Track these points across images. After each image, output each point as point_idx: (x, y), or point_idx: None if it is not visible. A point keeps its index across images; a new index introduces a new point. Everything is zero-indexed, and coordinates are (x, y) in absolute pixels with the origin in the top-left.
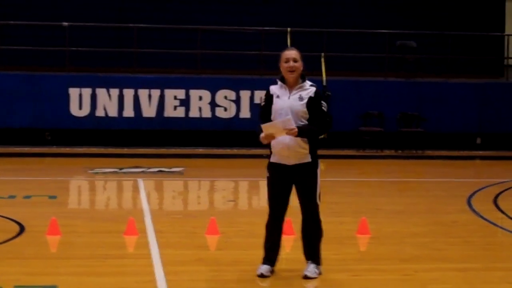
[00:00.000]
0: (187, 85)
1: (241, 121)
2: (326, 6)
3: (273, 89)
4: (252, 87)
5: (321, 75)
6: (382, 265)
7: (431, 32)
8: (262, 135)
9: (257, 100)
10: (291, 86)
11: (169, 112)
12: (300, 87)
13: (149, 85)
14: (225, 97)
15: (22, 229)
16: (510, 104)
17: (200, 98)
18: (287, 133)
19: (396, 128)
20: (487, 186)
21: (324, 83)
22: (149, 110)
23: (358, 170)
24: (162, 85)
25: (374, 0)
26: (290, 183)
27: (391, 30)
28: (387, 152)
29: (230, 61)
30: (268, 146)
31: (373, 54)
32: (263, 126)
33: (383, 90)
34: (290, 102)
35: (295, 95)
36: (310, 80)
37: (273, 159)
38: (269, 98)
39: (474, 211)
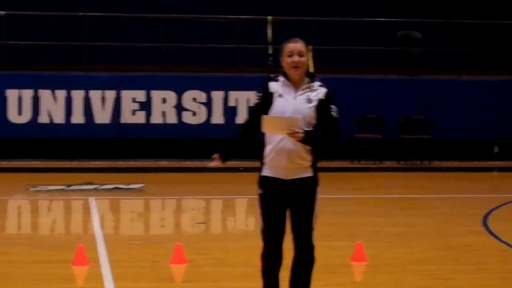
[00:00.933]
0: (148, 85)
1: (213, 128)
2: None
3: (274, 86)
4: (226, 87)
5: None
6: None
7: (439, 21)
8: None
9: (231, 103)
10: (296, 85)
11: (126, 117)
12: (308, 87)
13: (103, 86)
14: (194, 99)
15: None
16: None
17: (164, 100)
18: (288, 134)
19: (398, 135)
20: (506, 203)
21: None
22: (102, 116)
23: (353, 185)
24: (118, 85)
25: None
26: (286, 202)
27: (392, 19)
28: (387, 164)
29: (199, 56)
30: (260, 154)
31: (370, 47)
32: (266, 117)
33: (382, 90)
34: (296, 103)
35: (302, 96)
36: None
37: (265, 171)
38: (267, 96)
39: (490, 232)
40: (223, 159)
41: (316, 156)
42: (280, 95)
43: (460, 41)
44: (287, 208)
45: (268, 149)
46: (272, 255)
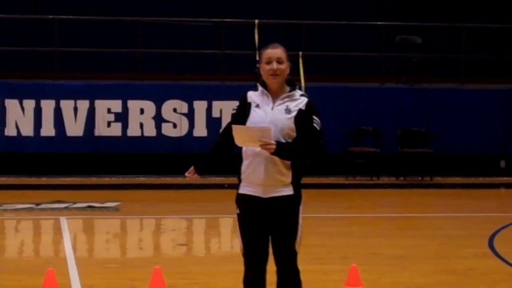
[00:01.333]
0: (125, 94)
1: (195, 141)
2: None
3: (252, 96)
4: (210, 97)
5: (299, 80)
6: None
7: (440, 25)
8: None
9: (215, 114)
10: (275, 95)
11: (101, 129)
12: (288, 97)
13: (75, 95)
14: (174, 110)
15: None
16: None
17: (142, 111)
18: (261, 146)
19: (396, 148)
20: None
21: (303, 91)
22: (74, 128)
23: (347, 203)
24: (92, 95)
25: None
26: (266, 222)
27: (389, 22)
28: (384, 180)
29: (180, 63)
30: (237, 171)
31: (366, 53)
32: (235, 127)
33: (379, 99)
34: (273, 114)
35: (281, 106)
36: None
37: (242, 189)
38: (245, 106)
39: (497, 254)
40: (199, 171)
41: (298, 172)
42: (257, 106)
43: (463, 47)
44: (268, 229)
45: (244, 164)
46: (254, 279)
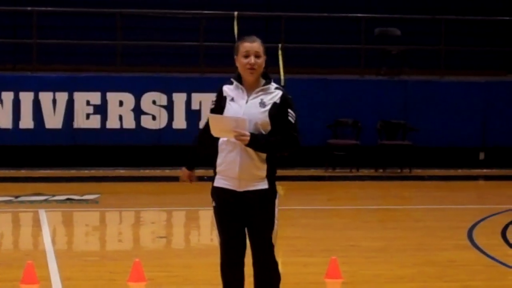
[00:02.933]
0: (104, 86)
1: (174, 133)
2: None
3: (227, 90)
4: (189, 88)
5: (278, 72)
6: None
7: (420, 17)
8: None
9: (195, 106)
10: (250, 88)
11: (79, 122)
12: (262, 90)
13: (54, 87)
14: (154, 102)
15: None
16: None
17: (121, 103)
18: (235, 137)
19: (376, 140)
20: (493, 215)
21: (282, 83)
22: (53, 120)
23: (326, 196)
24: (71, 87)
25: None
26: (241, 215)
27: (368, 14)
28: (364, 172)
29: (159, 54)
30: (213, 163)
31: (345, 45)
32: (211, 116)
33: (359, 91)
34: (247, 108)
35: (255, 100)
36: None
37: (217, 182)
38: (220, 100)
39: (476, 246)
40: (190, 168)
41: (272, 165)
42: (232, 99)
43: (443, 39)
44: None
45: (220, 157)
46: (230, 271)
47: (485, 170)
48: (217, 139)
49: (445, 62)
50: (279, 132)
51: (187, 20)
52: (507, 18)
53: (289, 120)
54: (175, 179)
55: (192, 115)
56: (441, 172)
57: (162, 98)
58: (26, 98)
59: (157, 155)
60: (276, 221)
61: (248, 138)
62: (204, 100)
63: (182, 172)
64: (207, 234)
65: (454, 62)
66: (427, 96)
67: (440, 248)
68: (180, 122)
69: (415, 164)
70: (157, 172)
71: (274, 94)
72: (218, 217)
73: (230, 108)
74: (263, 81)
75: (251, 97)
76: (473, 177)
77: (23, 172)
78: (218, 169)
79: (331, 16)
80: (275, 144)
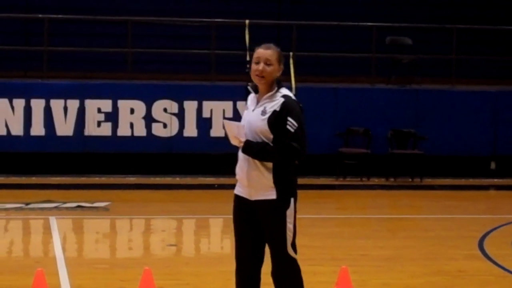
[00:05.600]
0: (115, 94)
1: (185, 141)
2: None
3: (249, 97)
4: (200, 96)
5: (289, 81)
6: None
7: (431, 26)
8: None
9: (206, 114)
10: (261, 96)
11: (91, 129)
12: (269, 98)
13: (65, 94)
14: (165, 110)
15: None
16: None
17: (132, 111)
18: (233, 143)
19: (387, 149)
20: (504, 225)
21: (294, 92)
22: (64, 127)
23: (337, 204)
24: (82, 94)
25: None
26: (255, 224)
27: (380, 23)
28: (374, 181)
29: (170, 62)
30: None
31: (356, 53)
32: (225, 122)
33: (369, 100)
34: (251, 116)
35: (260, 108)
36: None
37: (236, 189)
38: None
39: (487, 256)
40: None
41: (281, 175)
42: (247, 107)
43: (454, 48)
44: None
45: (237, 165)
46: (243, 279)
47: (496, 180)
48: None
49: (456, 71)
50: (279, 141)
51: (198, 28)
52: None
53: (288, 129)
54: (186, 187)
55: (203, 123)
56: (452, 182)
57: (173, 106)
58: (37, 105)
59: (168, 163)
60: (289, 232)
61: (242, 144)
62: (215, 108)
63: (238, 127)
64: (217, 242)
65: (465, 71)
66: (438, 105)
67: (450, 257)
68: (191, 130)
69: (426, 173)
70: (168, 180)
71: (276, 101)
72: (234, 223)
73: (243, 116)
74: (275, 88)
75: (258, 105)
76: (484, 187)
77: (34, 179)
78: (236, 176)
79: (342, 25)
80: (270, 152)
